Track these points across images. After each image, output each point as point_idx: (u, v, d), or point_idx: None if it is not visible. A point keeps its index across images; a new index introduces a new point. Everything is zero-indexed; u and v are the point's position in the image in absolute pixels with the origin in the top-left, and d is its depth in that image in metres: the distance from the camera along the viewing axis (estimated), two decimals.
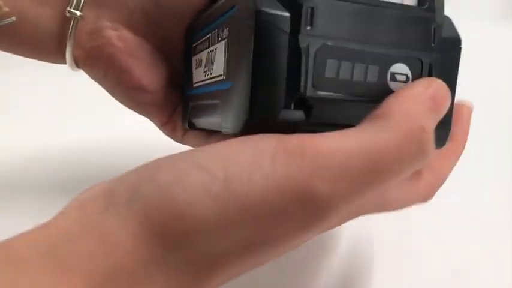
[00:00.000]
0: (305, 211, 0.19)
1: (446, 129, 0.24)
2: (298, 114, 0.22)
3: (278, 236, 0.19)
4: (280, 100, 0.21)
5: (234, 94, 0.22)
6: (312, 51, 0.21)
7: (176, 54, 0.30)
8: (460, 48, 0.24)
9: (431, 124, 0.21)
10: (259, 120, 0.21)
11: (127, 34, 0.29)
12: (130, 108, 0.31)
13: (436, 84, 0.22)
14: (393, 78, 0.22)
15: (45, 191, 0.38)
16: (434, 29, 0.23)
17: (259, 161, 0.19)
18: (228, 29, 0.23)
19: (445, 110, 0.22)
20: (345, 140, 0.19)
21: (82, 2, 0.27)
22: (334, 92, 0.21)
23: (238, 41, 0.22)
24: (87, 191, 0.21)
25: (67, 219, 0.20)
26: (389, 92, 0.22)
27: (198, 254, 0.19)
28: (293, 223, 0.19)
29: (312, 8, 0.21)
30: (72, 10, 0.27)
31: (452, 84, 0.24)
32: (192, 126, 0.30)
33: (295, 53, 0.21)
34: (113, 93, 0.30)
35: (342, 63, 0.21)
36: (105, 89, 0.30)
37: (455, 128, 0.25)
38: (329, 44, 0.21)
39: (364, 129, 0.20)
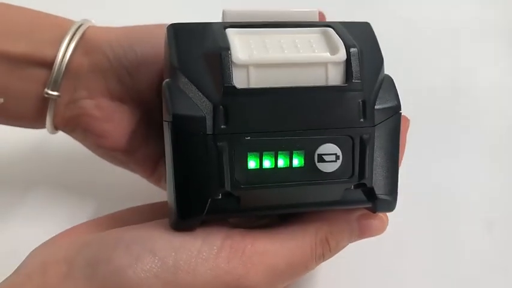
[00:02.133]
0: None
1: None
2: (228, 204, 0.23)
3: None
4: (204, 198, 0.23)
5: (168, 192, 0.24)
6: (231, 148, 0.22)
7: (153, 112, 0.32)
8: (400, 114, 0.24)
9: (343, 244, 0.27)
10: (188, 218, 0.23)
11: (103, 102, 0.31)
12: (115, 164, 0.33)
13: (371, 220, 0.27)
14: (321, 160, 0.23)
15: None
16: (363, 103, 0.23)
17: (205, 254, 0.23)
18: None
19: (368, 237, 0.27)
20: (274, 243, 0.24)
21: (60, 79, 0.29)
22: (259, 183, 0.23)
23: (167, 141, 0.23)
24: (49, 247, 0.25)
25: (32, 285, 0.23)
26: (319, 173, 0.23)
27: None
28: None
29: (226, 107, 0.22)
30: (49, 92, 0.30)
31: (394, 149, 0.25)
32: None
33: (215, 152, 0.22)
34: (94, 152, 0.33)
35: (263, 154, 0.22)
36: (87, 147, 0.33)
37: None
38: (247, 138, 0.22)
39: (289, 236, 0.25)
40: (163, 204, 0.27)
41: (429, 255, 0.37)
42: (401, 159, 0.28)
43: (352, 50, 0.23)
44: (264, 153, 0.22)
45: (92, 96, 0.31)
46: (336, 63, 0.23)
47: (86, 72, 0.30)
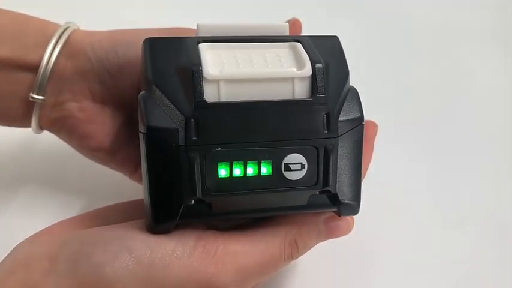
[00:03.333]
0: None
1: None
2: (200, 209, 0.25)
3: None
4: (178, 205, 0.24)
5: (144, 196, 0.26)
6: (202, 158, 0.23)
7: (135, 113, 0.33)
8: (362, 125, 0.26)
9: (311, 244, 0.28)
10: (162, 223, 0.25)
11: (87, 104, 0.32)
12: (98, 163, 0.35)
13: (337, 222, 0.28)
14: (287, 169, 0.24)
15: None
16: (327, 115, 0.24)
17: (179, 253, 0.25)
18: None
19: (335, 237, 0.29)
20: (245, 244, 0.26)
21: (45, 83, 0.31)
22: (229, 191, 0.24)
23: (142, 151, 0.25)
24: (33, 244, 0.26)
25: (15, 280, 0.24)
26: (286, 180, 0.24)
27: None
28: None
29: (197, 120, 0.23)
30: (34, 96, 0.31)
31: (357, 158, 0.26)
32: None
33: (187, 162, 0.23)
34: (79, 152, 0.34)
35: (233, 164, 0.24)
36: (72, 147, 0.34)
37: None
38: (217, 149, 0.23)
39: (259, 238, 0.26)
40: (140, 202, 0.28)
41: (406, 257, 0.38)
42: (368, 164, 0.30)
43: (317, 65, 0.24)
44: (234, 162, 0.24)
45: (76, 99, 0.32)
46: (302, 78, 0.24)
47: (70, 75, 0.31)
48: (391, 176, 0.41)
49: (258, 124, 0.24)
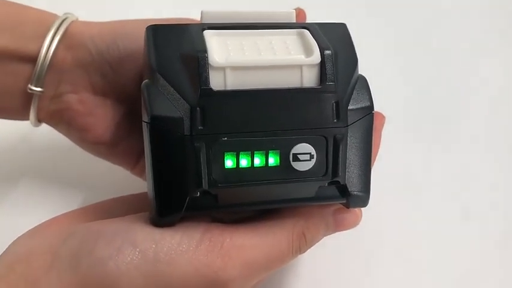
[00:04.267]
0: None
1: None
2: (206, 201, 0.24)
3: None
4: (183, 196, 0.23)
5: (148, 188, 0.25)
6: (208, 148, 0.23)
7: (136, 105, 0.32)
8: (372, 114, 0.25)
9: (319, 237, 0.28)
10: (166, 215, 0.24)
11: (87, 96, 0.31)
12: (98, 157, 0.34)
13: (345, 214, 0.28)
14: (296, 159, 0.24)
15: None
16: (336, 104, 0.24)
17: (185, 246, 0.24)
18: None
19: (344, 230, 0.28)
20: (253, 237, 0.25)
21: (43, 75, 0.30)
22: (236, 182, 0.23)
23: (145, 141, 0.24)
24: (33, 238, 0.25)
25: (15, 275, 0.24)
26: (294, 171, 0.24)
27: None
28: None
29: (203, 108, 0.23)
30: (33, 88, 0.30)
31: (367, 148, 0.25)
32: None
33: (192, 152, 0.23)
34: (78, 145, 0.33)
35: (240, 154, 0.23)
36: (71, 140, 0.33)
37: None
38: (224, 139, 0.23)
39: (267, 231, 0.26)
40: (145, 195, 0.27)
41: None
42: (376, 155, 0.29)
43: (326, 52, 0.24)
44: (241, 153, 0.23)
45: (76, 90, 0.31)
46: (310, 66, 0.24)
47: (69, 67, 0.31)
48: (397, 169, 0.41)
49: (265, 113, 0.23)
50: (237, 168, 0.23)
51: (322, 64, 0.24)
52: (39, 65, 0.30)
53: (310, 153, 0.24)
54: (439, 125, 0.44)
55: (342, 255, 0.37)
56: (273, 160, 0.24)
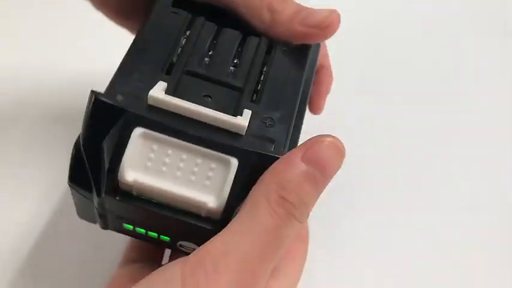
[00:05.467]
0: None
1: None
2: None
3: None
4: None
5: None
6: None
7: None
8: None
9: (308, 191, 0.23)
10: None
11: None
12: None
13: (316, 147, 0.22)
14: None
15: (38, 122, 0.41)
16: None
17: None
18: None
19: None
20: (233, 237, 0.22)
21: None
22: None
23: None
24: None
25: None
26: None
27: None
28: None
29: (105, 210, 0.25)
30: None
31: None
32: None
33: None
34: None
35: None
36: None
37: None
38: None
39: (242, 220, 0.23)
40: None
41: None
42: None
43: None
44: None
45: None
46: (211, 211, 0.24)
47: None
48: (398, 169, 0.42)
49: (162, 222, 0.25)
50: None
51: (227, 209, 0.23)
52: None
53: None
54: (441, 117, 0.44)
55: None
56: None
